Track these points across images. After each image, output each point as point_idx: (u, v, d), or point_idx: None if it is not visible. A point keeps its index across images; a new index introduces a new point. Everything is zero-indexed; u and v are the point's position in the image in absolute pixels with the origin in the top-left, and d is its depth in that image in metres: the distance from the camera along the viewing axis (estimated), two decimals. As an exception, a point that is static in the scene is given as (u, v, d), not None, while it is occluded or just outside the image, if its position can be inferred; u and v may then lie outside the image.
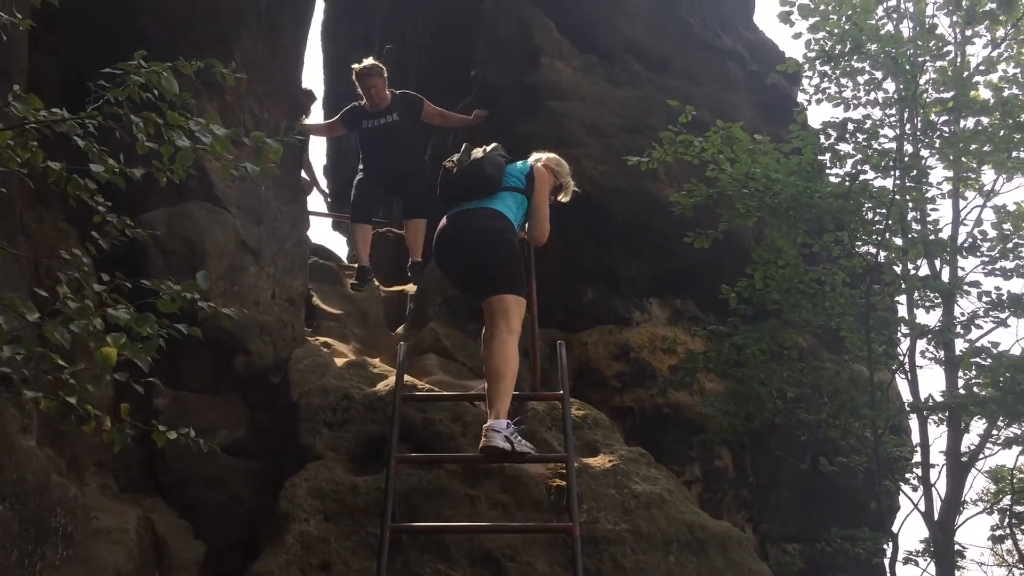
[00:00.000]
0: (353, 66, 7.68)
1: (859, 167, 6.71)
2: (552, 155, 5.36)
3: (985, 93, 7.46)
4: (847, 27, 7.20)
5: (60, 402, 2.18)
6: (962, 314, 7.35)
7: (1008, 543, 9.02)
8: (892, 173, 6.78)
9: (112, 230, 2.67)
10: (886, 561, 7.34)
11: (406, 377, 5.10)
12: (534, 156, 5.32)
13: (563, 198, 5.43)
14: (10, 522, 3.32)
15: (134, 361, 2.23)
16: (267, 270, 6.04)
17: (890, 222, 6.72)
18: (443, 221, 4.97)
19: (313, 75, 48.00)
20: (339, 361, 5.91)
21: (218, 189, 5.80)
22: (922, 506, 7.16)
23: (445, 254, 4.98)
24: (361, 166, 7.74)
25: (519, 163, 5.15)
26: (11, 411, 3.48)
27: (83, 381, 2.35)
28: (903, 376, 7.59)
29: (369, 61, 7.64)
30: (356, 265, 7.72)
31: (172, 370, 5.31)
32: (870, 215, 6.80)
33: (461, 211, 4.89)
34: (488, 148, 5.13)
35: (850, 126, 6.81)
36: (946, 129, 7.27)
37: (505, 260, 4.75)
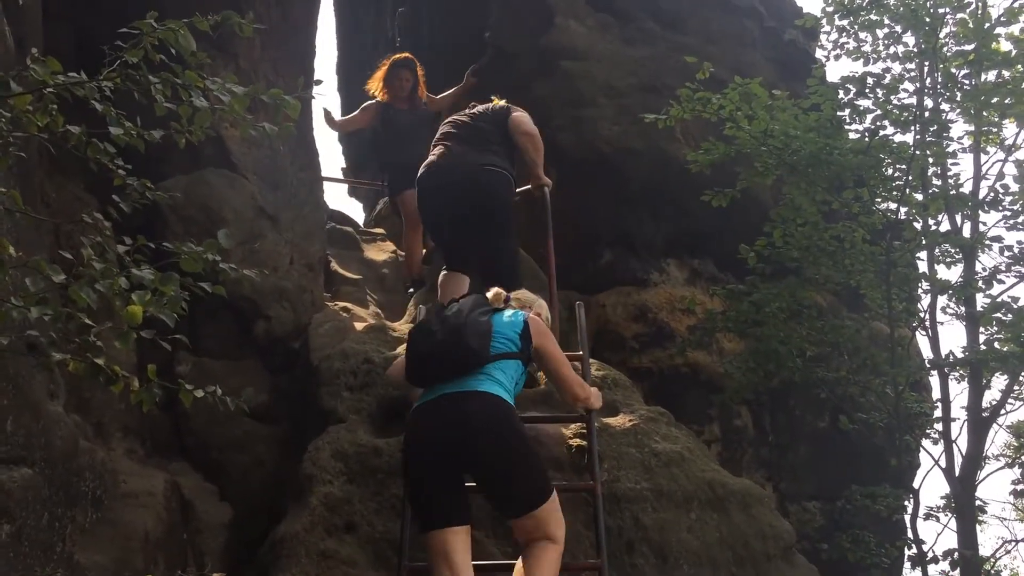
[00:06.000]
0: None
1: (879, 122, 6.65)
2: (536, 299, 4.27)
3: (1006, 45, 7.34)
4: (866, -21, 7.09)
5: (88, 364, 2.20)
6: (983, 269, 7.32)
7: (1029, 498, 9.01)
8: (912, 128, 6.70)
9: (133, 193, 2.68)
10: (907, 517, 7.36)
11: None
12: (516, 296, 4.21)
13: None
14: (40, 486, 3.37)
15: (158, 321, 2.24)
16: (285, 236, 6.05)
17: (910, 178, 6.66)
18: (414, 416, 3.65)
19: (326, 39, 47.75)
20: (359, 325, 5.93)
21: (235, 156, 5.81)
22: (943, 462, 7.16)
23: (426, 468, 3.54)
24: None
25: (504, 315, 3.87)
26: (38, 377, 3.52)
27: (110, 340, 2.37)
28: (923, 333, 7.57)
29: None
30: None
31: (193, 336, 5.35)
32: (890, 171, 6.75)
33: (438, 398, 3.58)
34: (463, 300, 3.97)
35: (869, 81, 6.72)
36: (967, 82, 7.16)
37: (527, 468, 3.59)
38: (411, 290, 7.05)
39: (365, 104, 7.65)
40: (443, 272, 5.45)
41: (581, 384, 4.11)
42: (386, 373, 4.06)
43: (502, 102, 5.64)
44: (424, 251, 7.22)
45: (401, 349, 5.35)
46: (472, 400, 3.52)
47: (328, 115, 7.82)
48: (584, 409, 4.33)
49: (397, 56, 7.48)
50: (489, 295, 4.00)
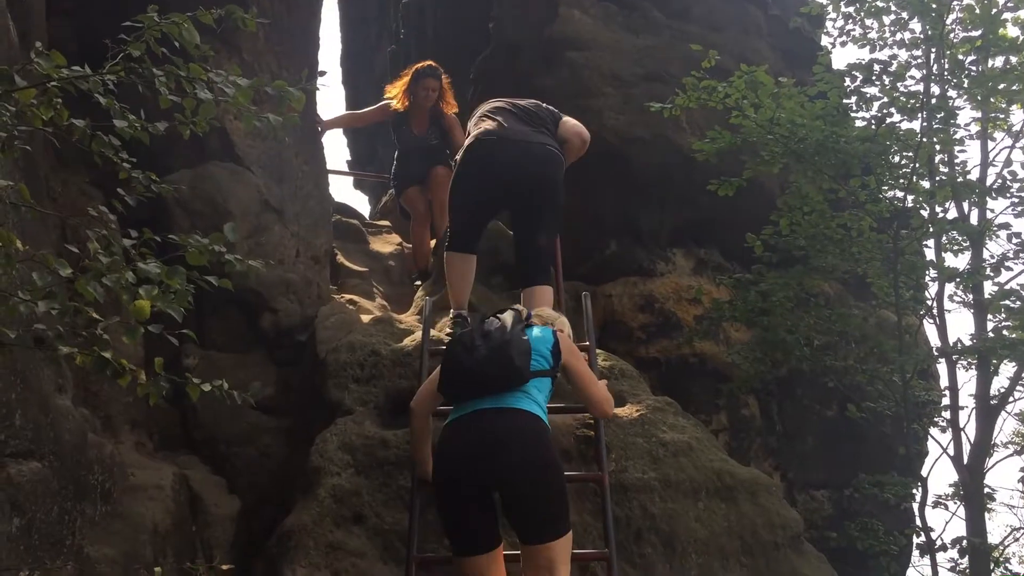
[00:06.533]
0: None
1: (885, 110, 6.61)
2: (558, 316, 4.19)
3: (1013, 31, 7.30)
4: (872, -35, 7.05)
5: (95, 357, 2.20)
6: (991, 256, 7.28)
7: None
8: (919, 115, 6.66)
9: (138, 186, 2.68)
10: (915, 505, 7.35)
11: (432, 332, 5.12)
12: (537, 312, 4.13)
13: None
14: (49, 480, 3.38)
15: (165, 315, 2.24)
16: (291, 229, 6.06)
17: (917, 165, 6.62)
18: (449, 431, 3.59)
19: (330, 33, 47.69)
20: (365, 318, 5.94)
21: (239, 149, 5.81)
22: (951, 450, 7.15)
23: (461, 482, 3.46)
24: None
25: (534, 332, 3.81)
26: (46, 372, 3.53)
27: (117, 334, 2.37)
28: (931, 321, 7.54)
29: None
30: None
31: (200, 329, 5.36)
32: (897, 158, 6.72)
33: (474, 412, 3.53)
34: (503, 315, 3.88)
35: (876, 68, 6.68)
36: (974, 68, 7.11)
37: (556, 493, 3.49)
38: (417, 282, 7.01)
39: (382, 105, 7.36)
40: (451, 253, 5.18)
41: (609, 401, 4.05)
42: (412, 403, 3.89)
43: None
44: (433, 242, 7.19)
45: (408, 341, 5.38)
46: (512, 417, 3.49)
47: (320, 121, 7.28)
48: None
49: (422, 64, 7.10)
50: (513, 309, 4.00)
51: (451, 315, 5.21)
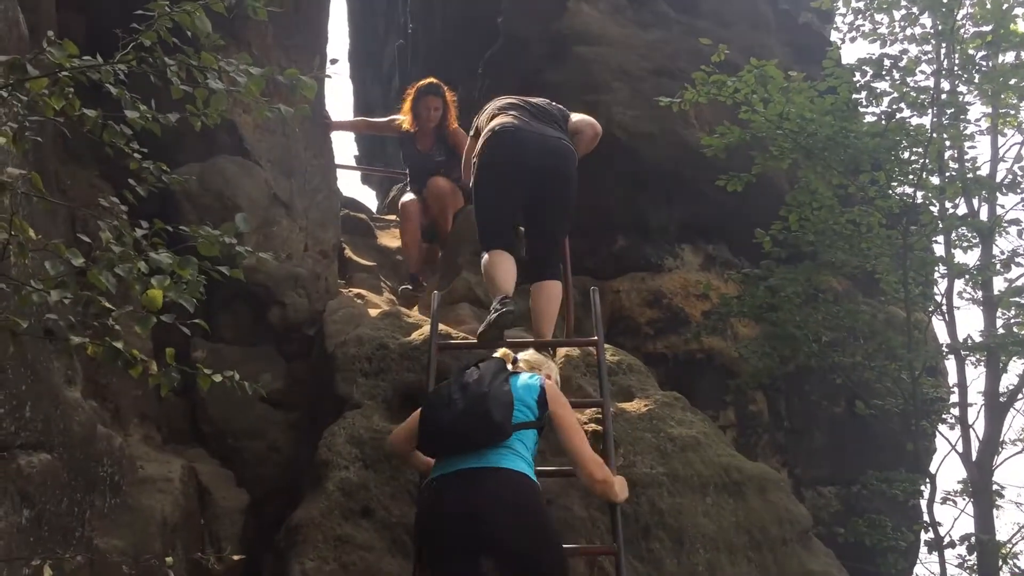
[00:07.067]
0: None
1: (895, 105, 6.59)
2: (546, 361, 4.02)
3: (1024, 26, 7.26)
4: (882, -40, 7.03)
5: (107, 347, 2.20)
6: (1001, 253, 7.27)
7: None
8: (929, 111, 6.64)
9: (149, 177, 2.68)
10: (923, 502, 7.34)
11: (440, 326, 5.11)
12: (524, 357, 3.94)
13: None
14: (59, 472, 3.39)
15: (175, 306, 2.25)
16: (299, 223, 6.06)
17: (927, 161, 6.60)
18: (430, 495, 3.37)
19: (337, 27, 47.70)
20: (373, 312, 5.94)
21: (248, 143, 5.81)
22: (960, 447, 7.14)
23: (446, 549, 3.26)
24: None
25: (520, 379, 3.57)
26: (56, 364, 3.54)
27: (127, 325, 2.37)
28: (940, 317, 7.53)
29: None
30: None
31: (208, 323, 5.33)
32: (907, 154, 6.69)
33: (456, 474, 3.30)
34: (483, 365, 3.60)
35: (886, 63, 6.66)
36: (984, 64, 7.09)
37: (546, 555, 3.29)
38: (409, 287, 6.83)
39: (393, 119, 7.36)
40: (490, 254, 4.96)
41: (599, 464, 3.59)
42: (389, 440, 3.71)
43: None
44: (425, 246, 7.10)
45: (417, 335, 5.37)
46: (497, 477, 3.26)
47: (328, 119, 7.17)
48: (602, 497, 3.75)
49: (424, 82, 7.00)
50: (497, 354, 3.79)
51: (497, 299, 4.79)
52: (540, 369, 3.79)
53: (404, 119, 7.06)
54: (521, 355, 3.87)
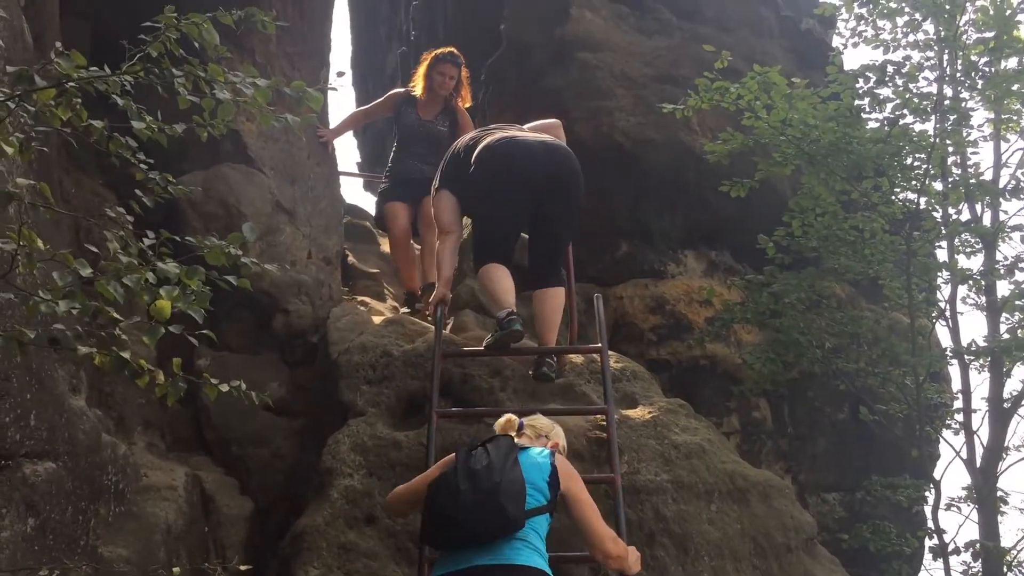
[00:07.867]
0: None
1: (898, 111, 6.60)
2: (553, 427, 3.74)
3: (1027, 32, 7.27)
4: (885, -34, 7.04)
5: (114, 357, 2.21)
6: (1004, 258, 7.27)
7: (1051, 489, 8.96)
8: (932, 117, 6.64)
9: (155, 187, 2.68)
10: (927, 508, 7.32)
11: (444, 333, 5.11)
12: (530, 423, 3.67)
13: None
14: (63, 480, 3.39)
15: (180, 316, 2.25)
16: (303, 230, 6.07)
17: (930, 167, 6.60)
18: None
19: (340, 34, 47.77)
20: (376, 319, 5.94)
21: (251, 150, 5.82)
22: (964, 453, 7.13)
23: None
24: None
25: (531, 455, 3.33)
26: (60, 372, 3.54)
27: (137, 335, 2.37)
28: (944, 323, 7.52)
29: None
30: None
31: (212, 331, 5.34)
32: (910, 160, 6.69)
33: (468, 571, 3.06)
34: (490, 446, 3.32)
35: (889, 69, 6.67)
36: (987, 70, 7.09)
37: None
38: (418, 305, 6.43)
39: (387, 96, 7.01)
40: (486, 268, 4.90)
41: (614, 539, 3.39)
42: (386, 501, 3.57)
43: None
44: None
45: (420, 342, 5.37)
46: None
47: (326, 134, 6.91)
48: (616, 571, 3.57)
49: (442, 50, 6.68)
50: (501, 421, 3.59)
51: (503, 314, 4.74)
52: (548, 437, 3.61)
53: (417, 84, 6.68)
54: (527, 420, 3.68)
